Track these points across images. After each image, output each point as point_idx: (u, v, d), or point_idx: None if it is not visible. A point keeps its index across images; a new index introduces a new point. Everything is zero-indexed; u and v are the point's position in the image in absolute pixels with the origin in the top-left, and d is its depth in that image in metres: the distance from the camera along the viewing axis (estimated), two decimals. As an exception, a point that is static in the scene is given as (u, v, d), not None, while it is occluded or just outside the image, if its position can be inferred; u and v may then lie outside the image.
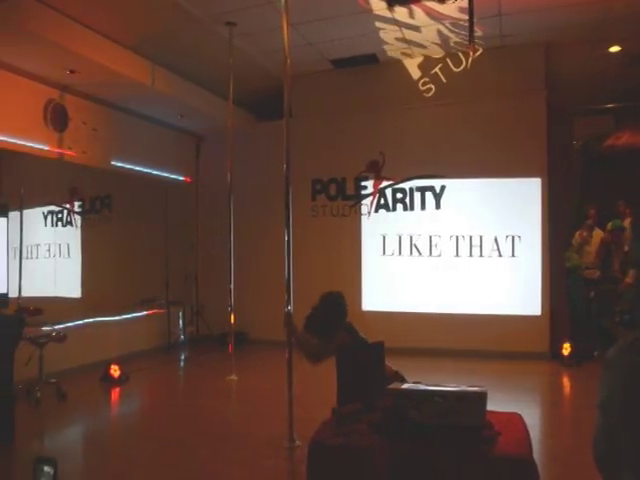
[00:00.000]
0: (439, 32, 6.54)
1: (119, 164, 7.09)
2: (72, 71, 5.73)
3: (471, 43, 5.40)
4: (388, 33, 6.51)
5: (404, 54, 7.23)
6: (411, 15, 6.04)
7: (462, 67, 7.10)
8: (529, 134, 6.94)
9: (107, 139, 6.88)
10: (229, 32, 6.06)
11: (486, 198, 7.15)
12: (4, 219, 4.49)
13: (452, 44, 6.86)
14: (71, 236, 6.83)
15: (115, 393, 5.70)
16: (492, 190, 7.12)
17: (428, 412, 2.67)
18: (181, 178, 8.39)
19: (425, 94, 7.35)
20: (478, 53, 6.58)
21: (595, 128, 8.29)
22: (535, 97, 6.94)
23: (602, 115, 8.16)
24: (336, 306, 3.68)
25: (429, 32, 6.54)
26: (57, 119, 6.13)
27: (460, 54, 7.04)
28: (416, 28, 6.40)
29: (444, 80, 7.26)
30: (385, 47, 6.96)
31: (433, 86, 7.32)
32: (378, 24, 6.24)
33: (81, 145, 6.48)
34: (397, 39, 6.72)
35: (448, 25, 6.35)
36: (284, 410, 3.93)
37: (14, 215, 5.59)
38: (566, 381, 6.09)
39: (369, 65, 7.52)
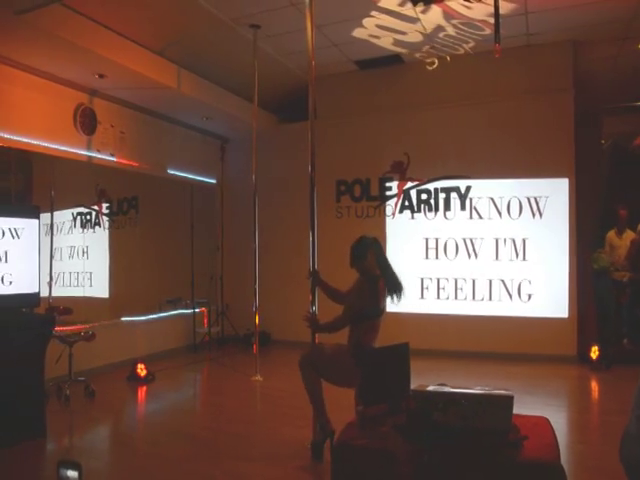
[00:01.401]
0: (457, 31, 6.47)
1: (146, 166, 7.20)
2: (101, 75, 5.84)
3: (497, 42, 5.35)
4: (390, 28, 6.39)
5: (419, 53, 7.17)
6: (433, 14, 6.01)
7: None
8: (556, 134, 6.85)
9: (134, 142, 7.00)
10: (253, 35, 6.11)
11: (512, 199, 7.06)
12: (35, 221, 4.58)
13: (472, 44, 6.80)
14: (99, 237, 6.95)
15: (141, 392, 5.78)
16: (518, 190, 7.03)
17: (453, 415, 2.66)
18: (206, 180, 8.48)
19: (428, 67, 7.26)
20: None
21: (625, 126, 8.13)
22: (562, 96, 6.83)
23: (632, 113, 7.99)
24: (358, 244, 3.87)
25: (447, 31, 6.48)
26: (86, 123, 6.25)
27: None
28: (437, 28, 6.37)
29: (448, 59, 7.18)
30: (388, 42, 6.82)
31: (436, 60, 7.24)
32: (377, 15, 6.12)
33: (109, 148, 6.60)
34: (413, 38, 6.67)
35: (461, 25, 6.29)
36: (308, 411, 3.94)
37: (44, 216, 5.73)
38: (594, 385, 5.99)
39: (393, 66, 7.50)
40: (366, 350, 3.58)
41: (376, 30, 6.39)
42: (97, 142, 6.43)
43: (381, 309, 3.79)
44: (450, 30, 6.43)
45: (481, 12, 5.91)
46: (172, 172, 7.71)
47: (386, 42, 6.75)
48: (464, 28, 6.37)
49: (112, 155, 6.63)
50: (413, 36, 6.58)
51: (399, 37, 6.62)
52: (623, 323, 6.94)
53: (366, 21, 6.17)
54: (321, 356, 3.82)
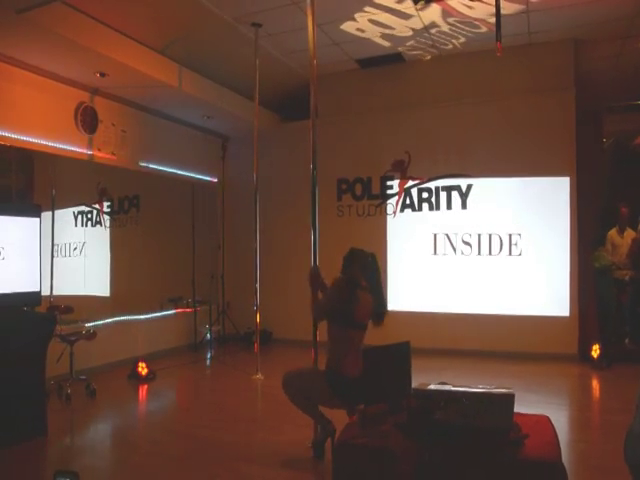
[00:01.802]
0: (451, 28, 6.43)
1: (147, 165, 7.21)
2: (102, 74, 5.84)
3: (498, 40, 5.34)
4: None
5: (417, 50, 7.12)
6: (428, 11, 5.98)
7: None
8: (558, 132, 6.84)
9: (135, 140, 7.00)
10: (255, 33, 6.10)
11: (513, 197, 7.06)
12: (37, 219, 4.59)
13: (463, 40, 6.78)
14: (100, 236, 6.96)
15: (142, 390, 5.79)
16: (519, 189, 7.03)
17: (454, 413, 2.66)
18: (208, 178, 8.48)
19: (422, 57, 7.26)
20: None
21: (626, 125, 8.12)
22: (564, 95, 6.82)
23: (633, 112, 7.97)
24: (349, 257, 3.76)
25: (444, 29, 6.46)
26: (87, 121, 6.25)
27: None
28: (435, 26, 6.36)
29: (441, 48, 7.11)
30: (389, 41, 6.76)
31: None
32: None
33: (110, 146, 6.60)
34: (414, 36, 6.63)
35: (456, 23, 6.25)
36: (309, 410, 3.94)
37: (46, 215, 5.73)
38: (595, 383, 5.98)
39: (395, 64, 7.49)
40: (345, 380, 3.49)
41: (366, 24, 6.28)
42: (98, 141, 6.43)
43: (360, 323, 3.61)
44: (444, 27, 6.38)
45: (481, 11, 5.91)
46: (173, 171, 7.71)
47: (374, 35, 6.59)
48: (458, 25, 6.33)
49: (114, 154, 6.62)
50: (403, 31, 6.47)
51: (388, 32, 6.50)
52: (625, 322, 6.94)
53: (359, 16, 6.07)
54: (300, 380, 3.76)
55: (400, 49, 7.06)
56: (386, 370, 3.22)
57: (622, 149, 8.21)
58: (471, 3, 5.75)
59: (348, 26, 6.35)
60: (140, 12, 5.53)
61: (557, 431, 2.88)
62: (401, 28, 6.40)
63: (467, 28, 6.41)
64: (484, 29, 6.36)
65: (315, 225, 4.12)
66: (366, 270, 3.70)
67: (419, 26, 6.36)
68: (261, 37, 6.22)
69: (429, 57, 7.25)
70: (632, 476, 1.42)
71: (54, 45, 5.06)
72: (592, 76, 7.51)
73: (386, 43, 6.84)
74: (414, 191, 7.57)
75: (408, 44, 6.90)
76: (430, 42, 6.82)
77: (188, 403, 5.62)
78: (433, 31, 6.51)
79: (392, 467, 2.64)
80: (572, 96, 6.82)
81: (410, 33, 6.56)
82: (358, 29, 6.43)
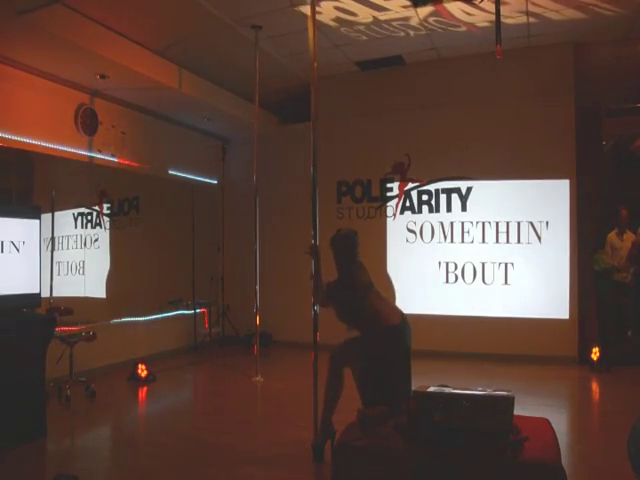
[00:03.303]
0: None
1: (147, 166, 7.21)
2: (102, 76, 5.84)
3: (498, 43, 5.36)
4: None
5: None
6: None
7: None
8: (558, 135, 6.85)
9: (135, 142, 7.00)
10: (255, 35, 6.11)
11: (513, 200, 7.06)
12: (37, 221, 4.58)
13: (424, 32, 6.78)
14: (100, 238, 6.95)
15: (142, 392, 5.78)
16: (519, 192, 7.03)
17: (454, 416, 2.66)
18: (207, 180, 8.49)
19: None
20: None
21: (626, 128, 8.13)
22: (563, 97, 6.83)
23: (633, 115, 7.99)
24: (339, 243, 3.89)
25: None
26: (87, 123, 6.25)
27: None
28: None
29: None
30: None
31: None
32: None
33: (110, 148, 6.61)
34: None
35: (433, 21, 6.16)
36: (309, 412, 3.94)
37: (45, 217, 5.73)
38: (595, 386, 5.98)
39: (395, 67, 7.49)
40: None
41: (327, 8, 5.89)
42: (98, 142, 6.43)
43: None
44: (414, 22, 6.17)
45: (480, 18, 5.90)
46: (173, 172, 7.71)
47: (327, 18, 6.13)
48: (433, 22, 6.21)
49: (113, 156, 6.64)
50: (365, 17, 6.11)
51: (346, 17, 6.09)
52: (627, 316, 6.94)
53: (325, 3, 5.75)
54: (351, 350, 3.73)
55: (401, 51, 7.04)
56: (386, 372, 3.22)
57: (622, 151, 8.22)
58: (471, 10, 5.74)
59: (305, 9, 5.74)
60: (140, 14, 5.54)
61: (557, 433, 2.89)
62: (364, 14, 6.05)
63: (442, 26, 6.29)
64: (463, 28, 6.30)
65: (316, 227, 4.12)
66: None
67: (386, 18, 6.09)
68: (261, 39, 6.22)
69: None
70: (636, 474, 1.42)
71: (54, 47, 5.05)
72: (592, 79, 7.52)
73: (384, 44, 6.82)
74: (414, 193, 7.57)
75: (355, 27, 6.39)
76: (384, 30, 6.46)
77: (188, 405, 5.62)
78: (395, 24, 6.26)
79: (392, 469, 2.64)
80: (572, 99, 6.83)
81: (370, 19, 6.18)
82: (317, 12, 5.78)
